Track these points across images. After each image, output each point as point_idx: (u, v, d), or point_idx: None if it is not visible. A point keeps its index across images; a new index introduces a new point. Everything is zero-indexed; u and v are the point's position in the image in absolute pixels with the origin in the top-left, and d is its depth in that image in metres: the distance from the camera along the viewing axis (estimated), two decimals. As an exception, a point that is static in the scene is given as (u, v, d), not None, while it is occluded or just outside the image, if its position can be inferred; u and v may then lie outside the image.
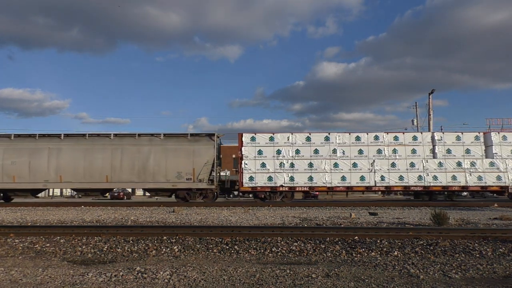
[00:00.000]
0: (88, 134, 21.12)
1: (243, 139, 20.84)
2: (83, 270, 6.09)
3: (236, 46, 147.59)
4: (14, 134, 21.06)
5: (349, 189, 20.77)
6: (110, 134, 21.10)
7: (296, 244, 7.89)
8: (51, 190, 49.10)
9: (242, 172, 20.48)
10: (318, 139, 20.95)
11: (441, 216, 10.54)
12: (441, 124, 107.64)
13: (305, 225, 10.81)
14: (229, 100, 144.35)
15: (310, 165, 20.47)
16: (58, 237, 8.69)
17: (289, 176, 20.41)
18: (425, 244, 7.75)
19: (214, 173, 20.46)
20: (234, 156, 22.86)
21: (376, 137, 20.88)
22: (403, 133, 21.60)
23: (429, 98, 33.70)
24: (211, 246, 7.86)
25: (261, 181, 20.36)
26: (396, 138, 21.05)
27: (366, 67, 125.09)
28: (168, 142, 20.79)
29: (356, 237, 8.30)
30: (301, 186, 20.50)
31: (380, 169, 20.40)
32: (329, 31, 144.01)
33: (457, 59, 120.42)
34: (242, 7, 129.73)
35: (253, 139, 20.84)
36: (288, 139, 20.85)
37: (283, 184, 20.37)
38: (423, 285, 5.17)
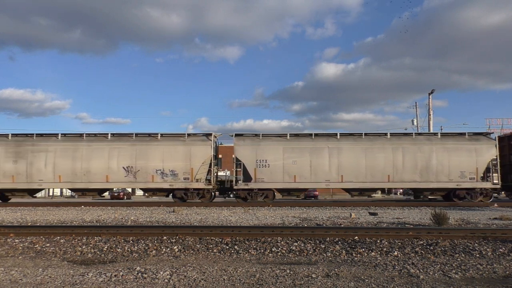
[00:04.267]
0: (364, 133, 21.21)
1: None
2: (83, 270, 6.08)
3: (235, 47, 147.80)
4: (290, 134, 21.01)
5: None
6: (387, 133, 21.21)
7: (296, 244, 7.88)
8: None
9: None
10: None
11: (441, 216, 10.54)
12: (441, 124, 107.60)
13: (305, 225, 10.81)
14: (229, 100, 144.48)
15: None
16: (58, 237, 8.68)
17: None
18: (425, 244, 7.75)
19: (495, 172, 20.41)
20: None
21: None
22: None
23: (429, 98, 33.71)
24: (211, 246, 7.86)
25: None
26: None
27: (365, 68, 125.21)
28: (448, 141, 20.68)
29: (356, 237, 8.30)
30: None
31: None
32: (328, 32, 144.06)
33: (455, 59, 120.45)
34: (242, 8, 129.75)
35: None
36: None
37: None
38: (423, 285, 5.17)
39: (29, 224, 11.62)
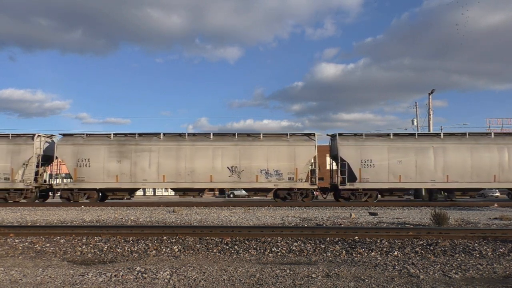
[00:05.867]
0: (468, 133, 21.18)
1: None
2: (83, 270, 6.08)
3: (235, 47, 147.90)
4: (393, 133, 20.95)
5: None
6: (491, 133, 21.31)
7: (296, 244, 7.88)
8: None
9: None
10: None
11: (441, 216, 10.54)
12: (441, 124, 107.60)
13: (305, 225, 10.81)
14: (229, 100, 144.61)
15: None
16: (58, 237, 8.68)
17: None
18: (425, 244, 7.75)
19: None
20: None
21: None
22: None
23: (429, 98, 33.64)
24: (211, 246, 7.86)
25: None
26: None
27: (365, 68, 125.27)
28: None
29: (356, 237, 8.30)
30: None
31: None
32: (328, 33, 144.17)
33: (455, 60, 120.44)
34: (242, 8, 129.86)
35: None
36: None
37: None
38: (423, 285, 5.17)
39: (29, 224, 11.61)
